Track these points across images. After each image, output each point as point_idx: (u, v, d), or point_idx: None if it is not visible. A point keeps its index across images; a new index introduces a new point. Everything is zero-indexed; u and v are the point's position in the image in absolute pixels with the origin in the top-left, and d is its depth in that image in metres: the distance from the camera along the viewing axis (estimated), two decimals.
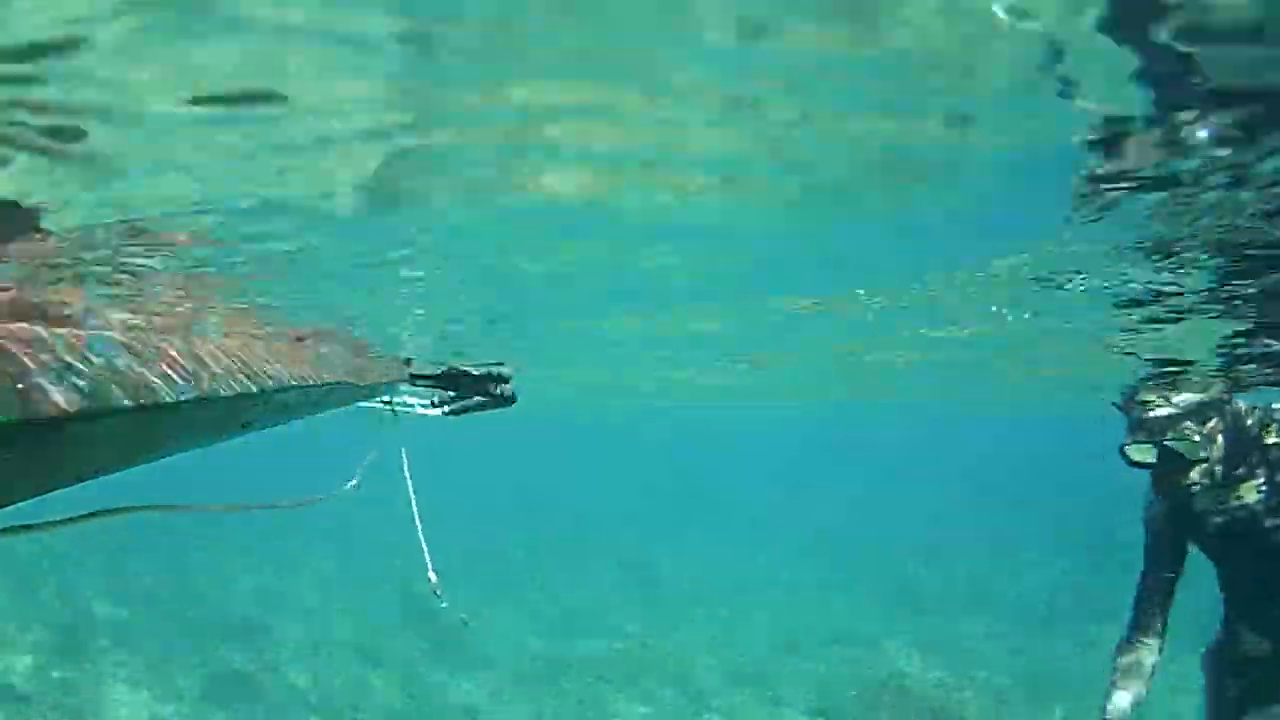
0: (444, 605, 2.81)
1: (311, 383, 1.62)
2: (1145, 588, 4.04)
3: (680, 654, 13.41)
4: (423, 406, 3.37)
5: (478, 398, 3.48)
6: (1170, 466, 3.68)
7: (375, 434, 3.01)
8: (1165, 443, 3.66)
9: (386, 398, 3.05)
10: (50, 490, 0.89)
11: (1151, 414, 3.74)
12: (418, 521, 3.02)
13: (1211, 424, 3.70)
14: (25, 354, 0.78)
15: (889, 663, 12.74)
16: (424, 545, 2.97)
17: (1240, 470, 3.73)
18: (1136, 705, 3.89)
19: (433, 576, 2.95)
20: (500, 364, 3.65)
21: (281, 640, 13.03)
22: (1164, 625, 4.00)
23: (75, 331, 0.88)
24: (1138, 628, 4.01)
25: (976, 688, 11.67)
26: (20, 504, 0.86)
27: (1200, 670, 4.18)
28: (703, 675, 12.76)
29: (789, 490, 31.09)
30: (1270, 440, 3.68)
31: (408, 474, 3.08)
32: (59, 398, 0.78)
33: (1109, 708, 3.87)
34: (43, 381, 0.77)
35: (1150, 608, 4.01)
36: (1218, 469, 3.69)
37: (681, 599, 16.67)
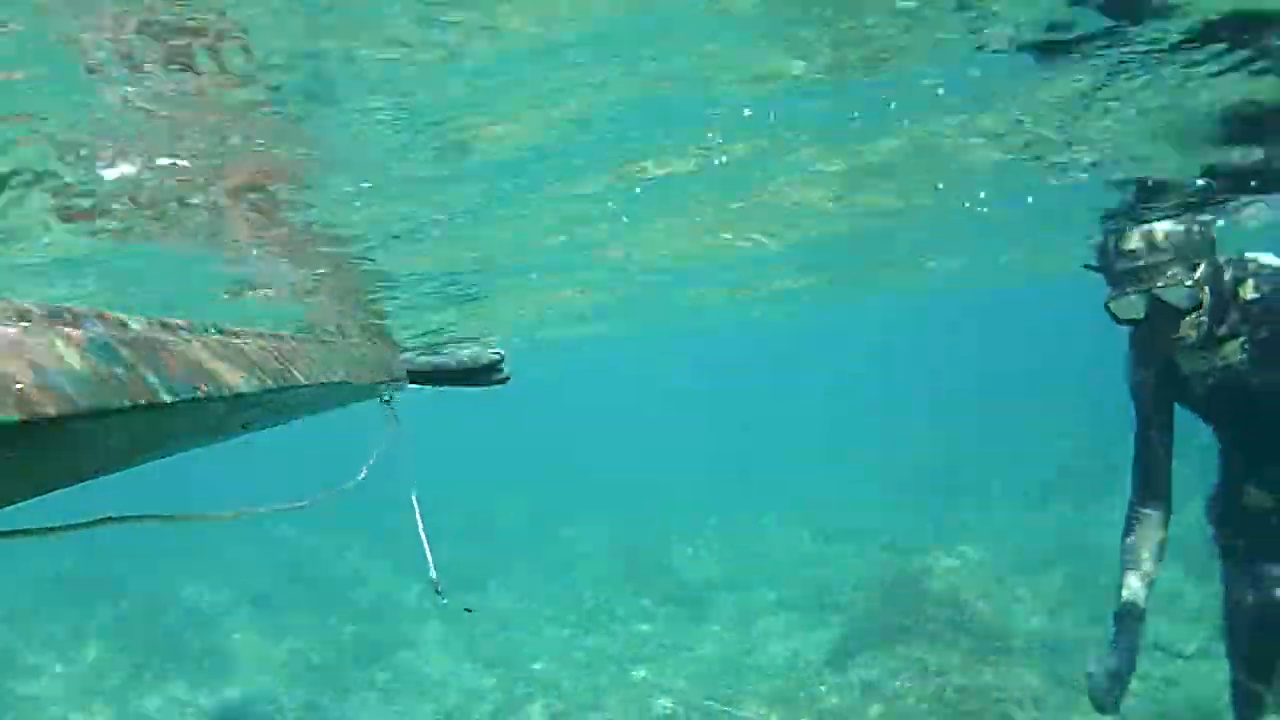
0: (444, 602, 2.81)
1: (311, 383, 1.61)
2: (1141, 455, 3.89)
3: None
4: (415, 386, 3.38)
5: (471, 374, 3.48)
6: (1161, 320, 3.48)
7: (380, 429, 3.02)
8: (1156, 291, 3.43)
9: (386, 397, 3.05)
10: (50, 490, 0.88)
11: (1139, 262, 3.47)
12: (418, 518, 3.03)
13: (1200, 270, 3.46)
14: (26, 353, 0.78)
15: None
16: (425, 540, 2.97)
17: (1222, 329, 3.55)
18: (1150, 583, 3.72)
19: (434, 573, 2.95)
20: (492, 347, 3.62)
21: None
22: (1168, 490, 3.86)
23: (75, 331, 0.88)
24: (1140, 499, 3.86)
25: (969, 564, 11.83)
26: (19, 504, 0.86)
27: (1205, 521, 4.07)
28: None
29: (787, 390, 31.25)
30: (1249, 295, 3.51)
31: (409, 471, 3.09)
32: (59, 397, 0.78)
33: (1123, 594, 3.69)
34: (44, 381, 0.77)
35: (1150, 475, 3.86)
36: (1203, 322, 3.49)
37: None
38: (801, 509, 16.86)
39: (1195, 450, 4.14)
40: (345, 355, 2.21)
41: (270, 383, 1.33)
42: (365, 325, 7.13)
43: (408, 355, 3.41)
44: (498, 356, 3.57)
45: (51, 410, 0.76)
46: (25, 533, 0.97)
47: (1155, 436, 3.84)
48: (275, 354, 1.45)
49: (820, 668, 9.61)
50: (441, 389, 3.46)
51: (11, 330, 0.79)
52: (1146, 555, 3.73)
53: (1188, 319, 3.45)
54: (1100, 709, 3.47)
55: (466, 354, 3.53)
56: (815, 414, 28.36)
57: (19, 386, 0.74)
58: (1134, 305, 3.48)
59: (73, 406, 0.79)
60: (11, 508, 0.85)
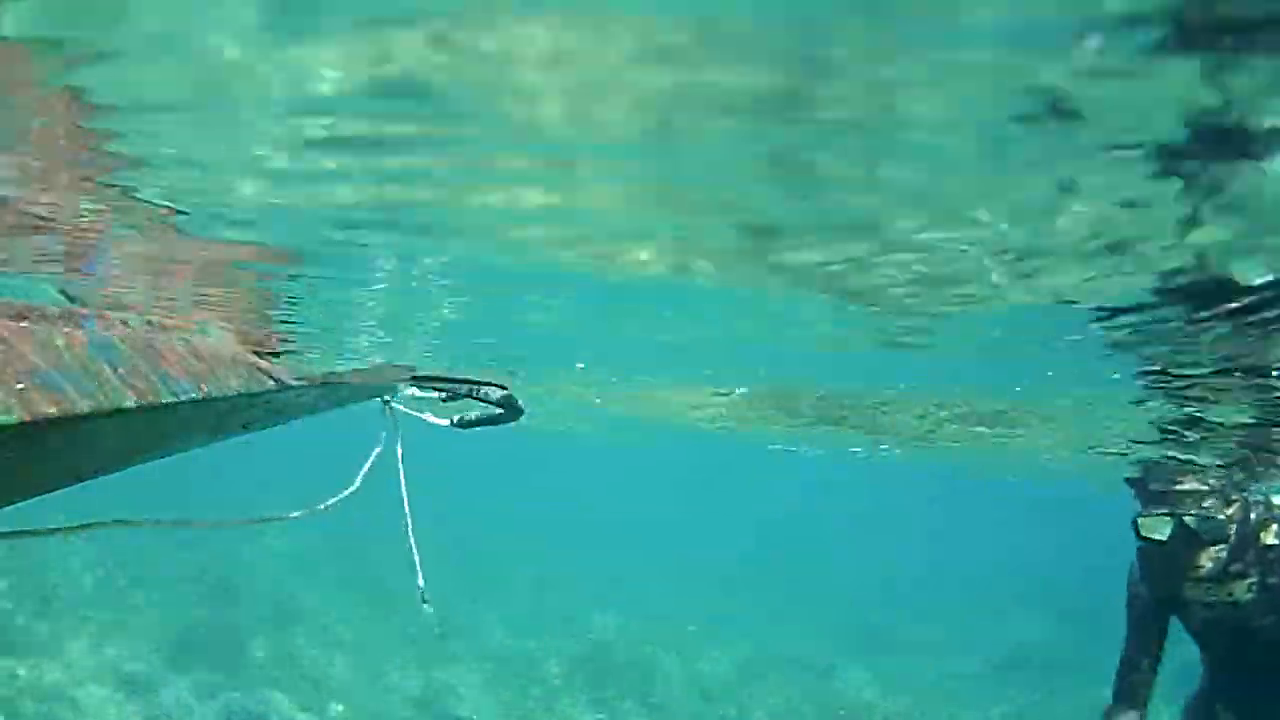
0: (429, 609, 2.80)
1: (311, 383, 1.61)
2: (1128, 659, 3.96)
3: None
4: (434, 415, 3.35)
5: (487, 409, 3.42)
6: (1182, 547, 3.53)
7: (378, 435, 3.00)
8: (1186, 517, 3.51)
9: (386, 398, 3.05)
10: (50, 490, 0.89)
11: (1177, 488, 3.59)
12: (409, 524, 3.01)
13: (1233, 508, 3.55)
14: (26, 354, 0.78)
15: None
16: (414, 549, 2.95)
17: (1236, 566, 3.59)
18: None
19: (421, 581, 2.94)
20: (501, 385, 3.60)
21: None
22: (1147, 698, 3.94)
23: (75, 331, 0.88)
24: (1122, 699, 3.95)
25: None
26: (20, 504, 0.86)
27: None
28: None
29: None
30: (1269, 540, 3.55)
31: (402, 477, 3.07)
32: (59, 397, 0.78)
33: None
34: (43, 381, 0.77)
35: (1134, 679, 3.94)
36: (1222, 557, 3.54)
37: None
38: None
39: (1178, 659, 4.19)
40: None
41: (270, 383, 1.33)
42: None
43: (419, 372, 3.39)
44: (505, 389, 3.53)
45: (51, 410, 0.76)
46: (26, 533, 0.97)
47: (1143, 650, 3.91)
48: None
49: None
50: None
51: (12, 330, 0.79)
52: None
53: (1208, 551, 3.51)
54: None
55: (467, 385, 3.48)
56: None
57: (19, 386, 0.74)
58: (1160, 526, 3.57)
59: (73, 406, 0.79)
60: (11, 507, 0.85)
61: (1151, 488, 3.68)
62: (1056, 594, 18.78)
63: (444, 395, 3.39)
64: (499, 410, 3.34)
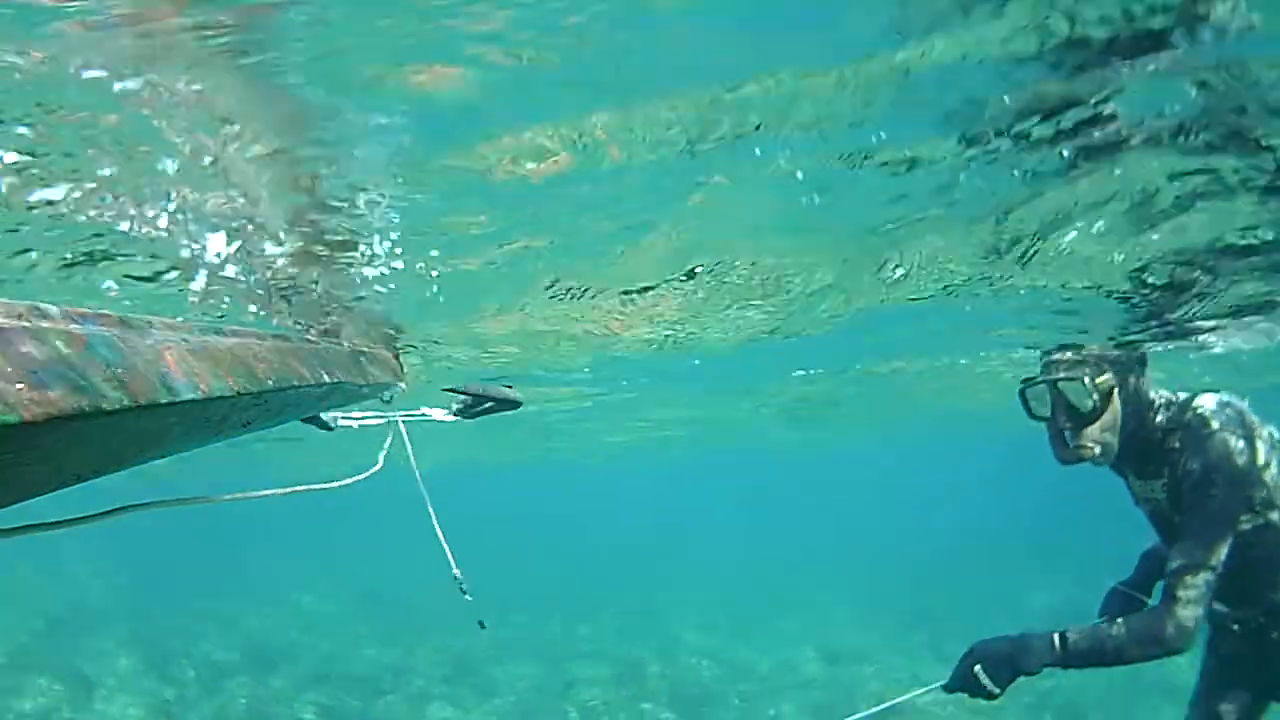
0: (469, 599, 2.78)
1: (311, 383, 1.62)
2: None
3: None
4: (434, 410, 3.36)
5: (487, 402, 3.45)
6: (1068, 420, 3.51)
7: (383, 431, 3.01)
8: (1058, 380, 3.51)
9: (386, 397, 3.05)
10: (50, 490, 0.89)
11: (1054, 357, 3.65)
12: (433, 517, 3.01)
13: (1104, 376, 3.52)
14: (26, 354, 0.78)
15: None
16: (444, 542, 2.93)
17: (1150, 466, 3.63)
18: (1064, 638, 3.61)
19: (457, 573, 2.91)
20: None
21: None
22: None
23: (75, 331, 0.88)
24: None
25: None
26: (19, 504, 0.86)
27: None
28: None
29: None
30: (1173, 445, 3.52)
31: (416, 471, 3.07)
32: (59, 397, 0.78)
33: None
34: (43, 381, 0.77)
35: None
36: (1109, 439, 3.54)
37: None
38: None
39: None
40: (342, 356, 2.22)
41: (270, 382, 1.33)
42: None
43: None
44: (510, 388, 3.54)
45: (52, 410, 0.76)
46: (28, 529, 0.98)
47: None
48: (275, 353, 1.45)
49: None
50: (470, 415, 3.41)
51: (12, 330, 0.79)
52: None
53: (1090, 431, 3.49)
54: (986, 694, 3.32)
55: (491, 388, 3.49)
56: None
57: (19, 387, 0.74)
58: (1039, 395, 3.58)
59: (73, 406, 0.79)
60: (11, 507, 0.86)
61: (1041, 363, 3.75)
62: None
63: (458, 406, 3.40)
64: (497, 403, 3.36)
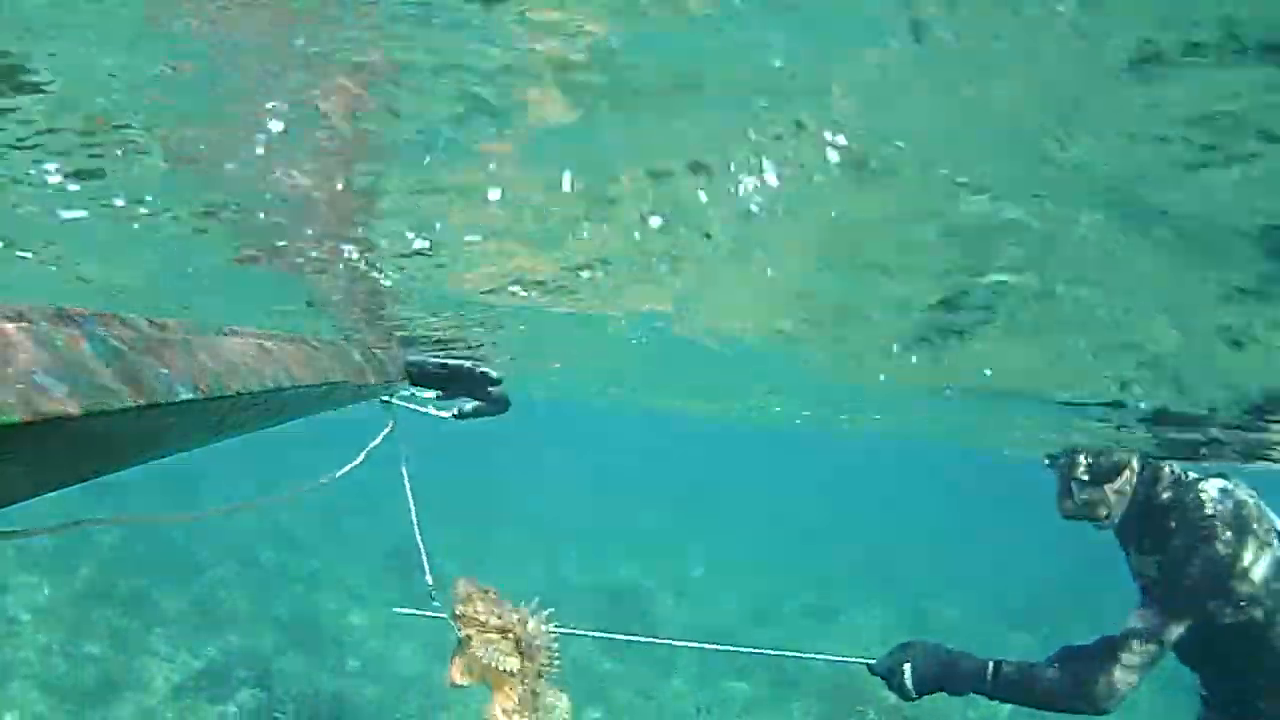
0: (435, 603, 2.79)
1: (311, 383, 1.62)
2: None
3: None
4: (433, 407, 3.38)
5: (474, 403, 3.49)
6: (1078, 479, 3.69)
7: (380, 421, 3.01)
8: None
9: (386, 397, 3.05)
10: (50, 490, 0.89)
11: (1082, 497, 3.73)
12: (415, 521, 3.02)
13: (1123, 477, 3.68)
14: (26, 354, 0.78)
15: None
16: (421, 545, 2.96)
17: (1148, 541, 3.67)
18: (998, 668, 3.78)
19: (429, 579, 2.94)
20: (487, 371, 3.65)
21: None
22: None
23: (74, 332, 0.88)
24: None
25: None
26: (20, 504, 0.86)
27: None
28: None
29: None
30: (1169, 523, 3.57)
31: (406, 474, 3.08)
32: (59, 397, 0.78)
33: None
34: (43, 381, 0.77)
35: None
36: (1114, 502, 3.67)
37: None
38: None
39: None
40: (344, 356, 2.21)
41: (270, 383, 1.33)
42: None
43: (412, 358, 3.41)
44: (496, 375, 3.57)
45: (52, 410, 0.76)
46: (25, 533, 0.98)
47: None
48: (274, 353, 1.45)
49: None
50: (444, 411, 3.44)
51: (11, 330, 0.79)
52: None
53: (1096, 491, 3.63)
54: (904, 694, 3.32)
55: (468, 364, 3.54)
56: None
57: (19, 386, 0.74)
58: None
59: (73, 406, 0.79)
60: (12, 507, 0.86)
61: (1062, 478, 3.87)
62: None
63: (438, 395, 3.41)
64: (493, 405, 3.39)
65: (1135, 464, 3.65)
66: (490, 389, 3.55)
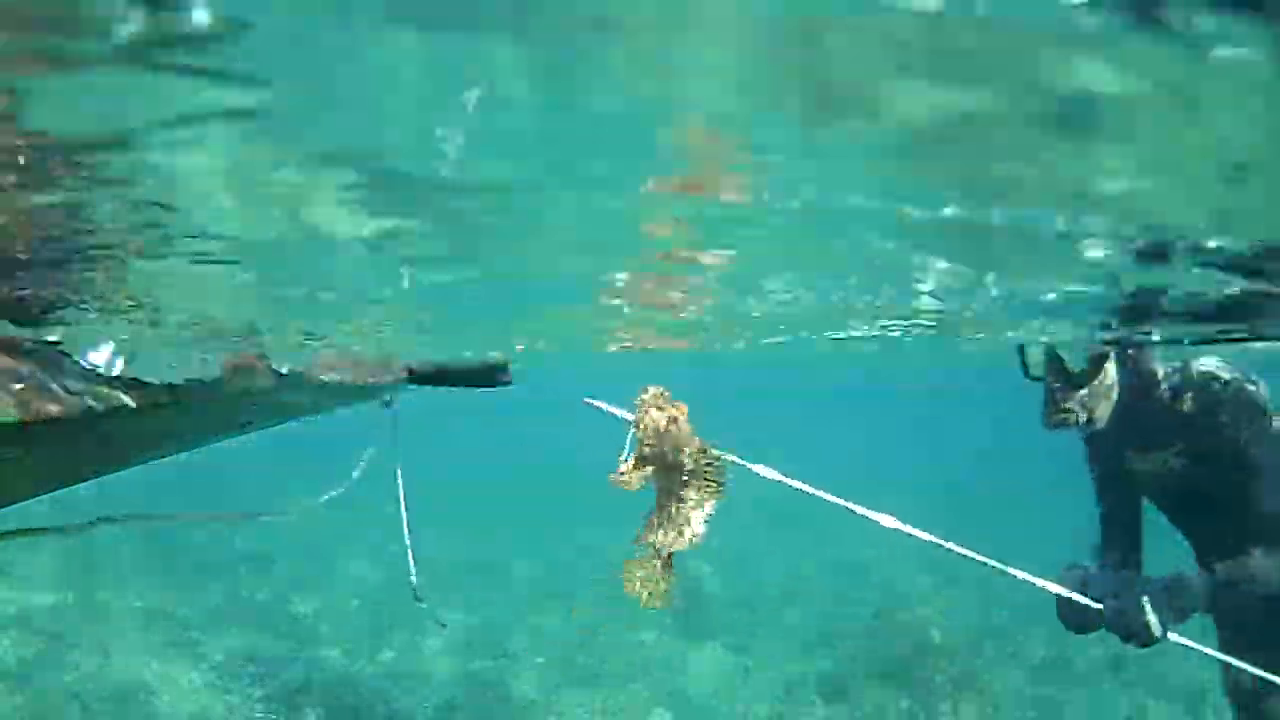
0: (423, 605, 2.79)
1: (311, 384, 1.62)
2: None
3: None
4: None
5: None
6: (1059, 384, 3.43)
7: (373, 435, 3.01)
8: (1056, 348, 3.44)
9: (386, 398, 3.05)
10: (50, 490, 0.89)
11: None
12: (405, 526, 3.01)
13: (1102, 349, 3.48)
14: (26, 355, 0.78)
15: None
16: (409, 549, 2.95)
17: (1159, 436, 3.51)
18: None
19: (414, 579, 2.93)
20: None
21: None
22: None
23: (73, 333, 0.89)
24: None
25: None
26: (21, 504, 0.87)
27: None
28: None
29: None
30: (1184, 407, 3.41)
31: (400, 481, 3.07)
32: (59, 397, 0.78)
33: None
34: (42, 382, 0.78)
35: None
36: (1099, 406, 3.44)
37: None
38: None
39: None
40: (344, 356, 2.22)
41: (271, 383, 1.34)
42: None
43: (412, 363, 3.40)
44: (503, 360, 3.55)
45: (52, 410, 0.76)
46: (25, 532, 0.98)
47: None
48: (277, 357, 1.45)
49: None
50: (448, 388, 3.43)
51: (14, 332, 0.79)
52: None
53: (1078, 395, 3.41)
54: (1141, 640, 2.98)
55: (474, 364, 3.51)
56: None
57: (19, 387, 0.74)
58: (1036, 356, 3.52)
59: (73, 407, 0.79)
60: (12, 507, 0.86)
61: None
62: None
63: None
64: (482, 375, 3.36)
65: (1113, 360, 3.52)
66: (499, 376, 3.50)
